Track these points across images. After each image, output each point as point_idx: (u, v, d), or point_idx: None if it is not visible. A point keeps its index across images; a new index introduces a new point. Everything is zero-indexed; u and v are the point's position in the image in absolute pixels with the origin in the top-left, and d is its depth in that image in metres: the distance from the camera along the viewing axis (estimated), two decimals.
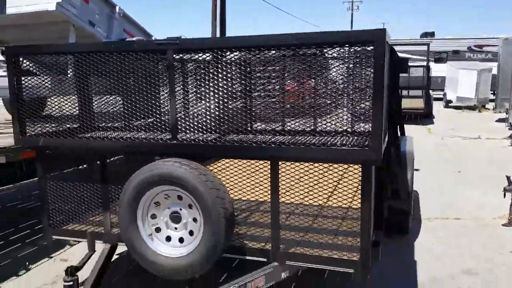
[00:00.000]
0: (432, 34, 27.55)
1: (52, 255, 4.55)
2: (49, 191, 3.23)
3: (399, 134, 4.37)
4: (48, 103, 3.11)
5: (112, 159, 3.33)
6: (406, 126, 5.24)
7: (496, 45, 19.65)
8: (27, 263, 4.32)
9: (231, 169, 2.97)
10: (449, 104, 20.95)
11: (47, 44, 3.18)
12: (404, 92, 15.29)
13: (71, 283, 2.71)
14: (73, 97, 3.07)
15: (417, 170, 6.94)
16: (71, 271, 2.70)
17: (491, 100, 19.20)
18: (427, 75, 16.48)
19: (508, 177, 5.48)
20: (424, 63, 16.73)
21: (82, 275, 2.89)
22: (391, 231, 4.65)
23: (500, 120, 15.86)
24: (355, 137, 2.69)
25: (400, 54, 3.91)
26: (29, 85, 3.09)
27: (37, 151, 3.23)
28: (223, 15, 16.90)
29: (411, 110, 15.39)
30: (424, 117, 16.45)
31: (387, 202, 3.87)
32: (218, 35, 16.41)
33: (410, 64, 11.60)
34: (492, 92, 19.10)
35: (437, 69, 21.79)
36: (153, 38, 8.07)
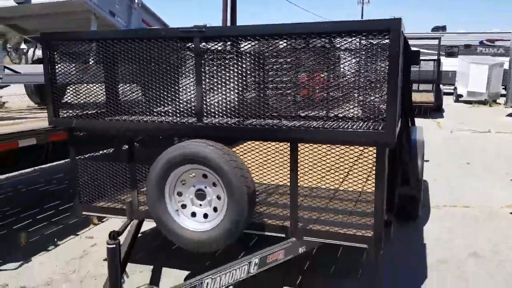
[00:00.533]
0: (443, 28, 27.40)
1: (78, 233, 4.81)
2: (80, 170, 3.44)
3: (410, 125, 4.53)
4: (83, 88, 3.29)
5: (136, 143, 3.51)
6: (415, 120, 5.37)
7: (508, 40, 19.54)
8: (55, 240, 4.58)
9: (251, 153, 3.15)
10: (460, 99, 20.91)
11: (82, 31, 3.37)
12: (415, 86, 15.39)
13: (114, 245, 2.92)
14: (105, 82, 3.25)
15: (426, 161, 7.08)
16: (114, 236, 2.91)
17: (503, 95, 19.17)
18: (438, 69, 16.54)
19: None
20: (435, 57, 16.75)
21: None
22: (401, 216, 4.82)
23: (511, 115, 15.86)
24: (371, 122, 2.85)
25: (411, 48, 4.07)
26: (64, 71, 3.28)
27: (69, 132, 3.43)
28: (234, 5, 17.06)
29: (421, 104, 15.44)
30: (434, 111, 16.47)
31: (398, 189, 4.03)
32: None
33: (421, 58, 11.69)
34: (504, 87, 19.05)
35: (448, 63, 21.72)
36: None
